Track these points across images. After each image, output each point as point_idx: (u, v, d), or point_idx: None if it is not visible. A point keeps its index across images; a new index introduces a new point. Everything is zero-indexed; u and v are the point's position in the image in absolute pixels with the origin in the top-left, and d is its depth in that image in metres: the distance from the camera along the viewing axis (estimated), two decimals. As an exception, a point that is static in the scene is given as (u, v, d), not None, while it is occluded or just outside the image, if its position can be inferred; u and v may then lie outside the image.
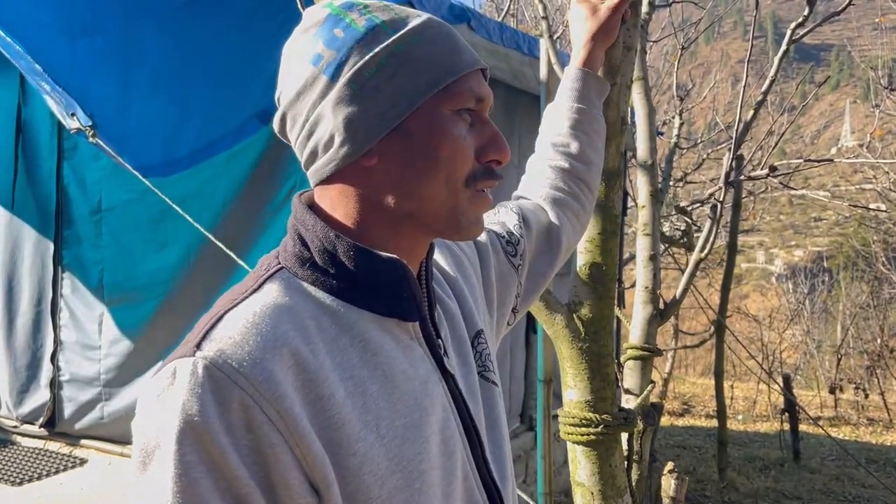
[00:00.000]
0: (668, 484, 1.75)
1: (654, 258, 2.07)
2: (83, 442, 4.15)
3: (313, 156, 0.81)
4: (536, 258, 1.14)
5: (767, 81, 2.07)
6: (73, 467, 3.93)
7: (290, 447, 0.67)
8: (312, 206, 0.83)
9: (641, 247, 2.09)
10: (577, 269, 1.61)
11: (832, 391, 9.34)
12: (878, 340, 10.49)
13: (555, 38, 4.36)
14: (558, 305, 1.58)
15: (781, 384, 6.51)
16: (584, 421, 1.52)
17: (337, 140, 0.78)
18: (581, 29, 1.33)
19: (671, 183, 8.55)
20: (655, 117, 2.20)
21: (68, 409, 4.21)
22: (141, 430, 0.67)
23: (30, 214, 4.39)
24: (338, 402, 0.71)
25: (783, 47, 2.05)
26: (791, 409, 6.39)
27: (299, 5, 1.93)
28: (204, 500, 0.64)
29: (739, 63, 2.28)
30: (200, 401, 0.65)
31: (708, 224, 2.19)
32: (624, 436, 1.82)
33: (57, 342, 4.27)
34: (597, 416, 1.53)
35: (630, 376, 2.04)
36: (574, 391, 1.57)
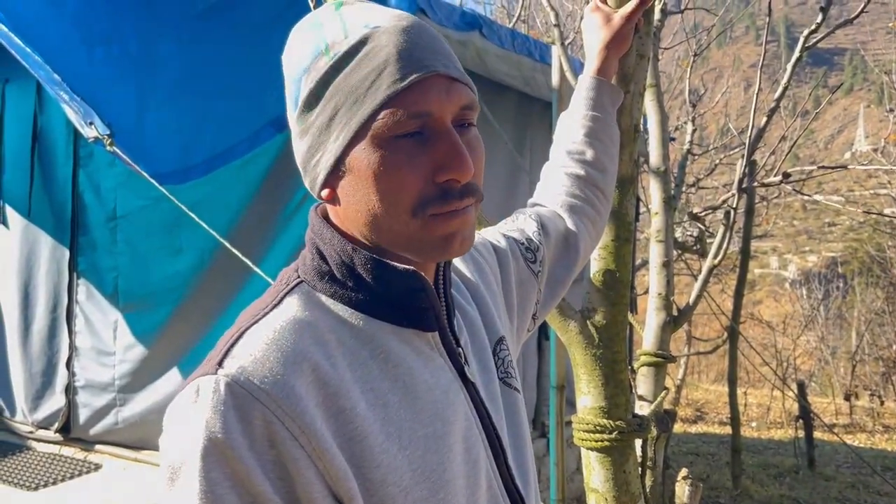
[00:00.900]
0: (682, 490, 1.75)
1: (667, 264, 2.07)
2: (98, 447, 4.18)
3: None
4: (555, 265, 1.14)
5: (780, 88, 2.06)
6: (87, 472, 3.95)
7: (312, 462, 0.68)
8: (329, 217, 0.83)
9: (654, 253, 2.08)
10: (591, 275, 1.62)
11: (847, 398, 9.27)
12: (894, 347, 10.40)
13: (566, 44, 4.36)
14: (572, 312, 1.58)
15: (796, 391, 6.47)
16: (598, 427, 1.53)
17: (302, 173, 0.82)
18: (595, 38, 1.34)
19: (684, 189, 8.53)
20: (668, 123, 2.20)
21: (83, 415, 4.24)
22: (167, 447, 0.69)
23: (46, 221, 4.43)
24: (360, 415, 0.72)
25: (796, 54, 2.04)
26: (806, 415, 6.35)
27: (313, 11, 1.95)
28: None
29: (752, 67, 2.28)
30: (223, 418, 0.66)
31: (721, 230, 2.18)
32: (638, 442, 1.82)
33: (72, 348, 4.30)
34: (611, 422, 1.53)
35: (643, 383, 2.04)
36: (588, 397, 1.57)
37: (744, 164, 2.03)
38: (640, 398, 2.03)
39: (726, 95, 10.00)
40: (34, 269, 4.49)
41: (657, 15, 2.50)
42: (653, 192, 2.16)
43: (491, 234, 1.09)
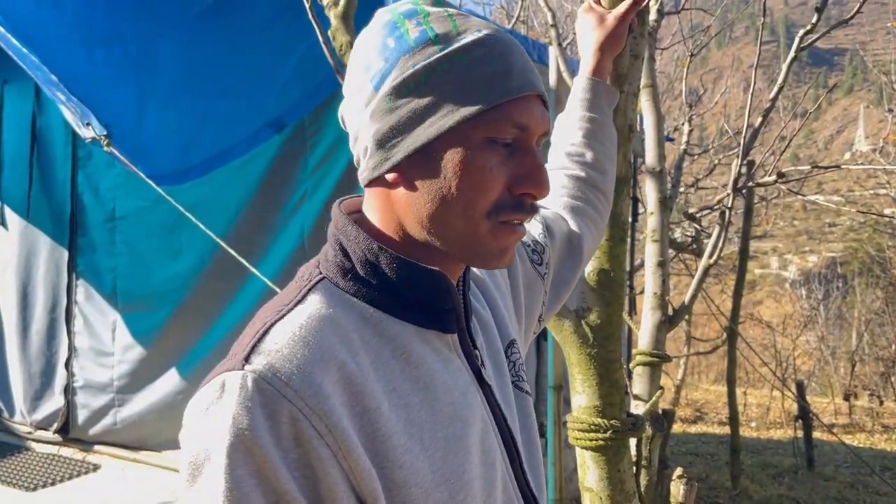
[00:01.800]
0: (677, 489, 1.75)
1: (662, 264, 2.08)
2: (96, 448, 4.19)
3: (357, 162, 0.83)
4: (560, 266, 1.15)
5: (776, 88, 2.07)
6: (86, 473, 3.96)
7: (338, 461, 0.67)
8: (353, 214, 0.84)
9: (650, 253, 2.09)
10: (586, 275, 1.62)
11: (847, 398, 9.27)
12: (894, 347, 10.41)
13: (564, 45, 4.37)
14: (567, 311, 1.59)
15: (795, 391, 6.47)
16: (592, 426, 1.53)
17: (369, 151, 0.79)
18: (589, 39, 1.34)
19: (682, 189, 8.54)
20: (664, 124, 2.21)
21: (82, 416, 4.24)
22: (189, 443, 0.68)
23: (44, 222, 4.44)
24: (384, 415, 0.72)
25: (791, 54, 2.05)
26: (805, 415, 6.35)
27: (311, 17, 1.95)
28: None
29: (752, 68, 2.28)
30: (251, 414, 0.65)
31: (717, 230, 2.19)
32: (633, 441, 1.82)
33: (71, 349, 4.31)
34: (605, 421, 1.53)
35: (639, 382, 2.04)
36: (583, 397, 1.58)
37: (739, 163, 2.04)
38: (636, 397, 2.03)
39: (725, 96, 10.01)
40: (33, 270, 4.50)
41: (653, 15, 2.51)
42: (649, 193, 2.16)
43: None
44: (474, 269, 0.97)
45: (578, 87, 1.30)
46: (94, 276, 4.26)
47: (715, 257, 2.10)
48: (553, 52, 2.53)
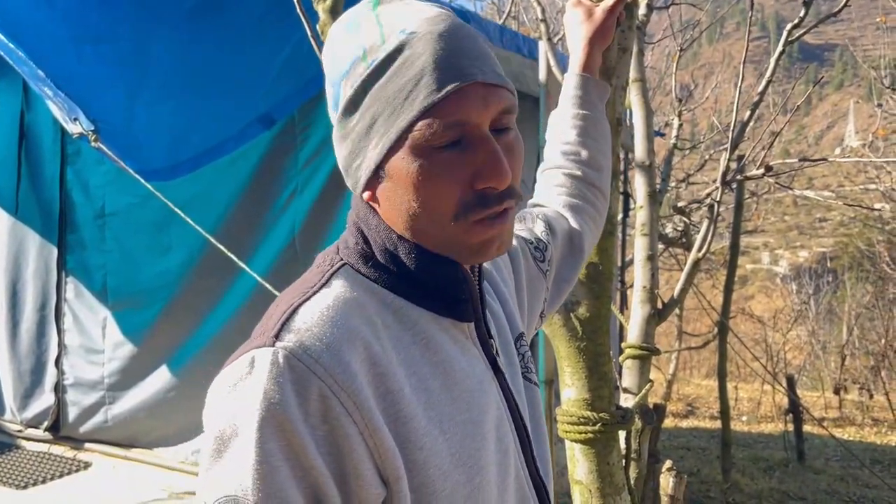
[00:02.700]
0: (667, 482, 1.75)
1: (651, 258, 2.08)
2: (87, 446, 4.18)
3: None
4: (562, 264, 1.16)
5: (763, 83, 2.07)
6: (77, 471, 3.95)
7: (363, 439, 0.68)
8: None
9: (639, 247, 2.10)
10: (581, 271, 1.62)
11: (837, 392, 9.32)
12: (883, 341, 10.47)
13: (555, 40, 4.37)
14: (556, 305, 1.59)
15: (785, 385, 6.50)
16: (581, 419, 1.54)
17: (344, 174, 0.82)
18: (577, 32, 1.34)
19: (673, 184, 8.56)
20: (654, 118, 2.21)
21: (72, 413, 4.23)
22: (215, 418, 0.67)
23: (33, 219, 4.42)
24: (405, 397, 0.73)
25: (779, 48, 2.06)
26: (795, 409, 6.39)
27: (300, 12, 1.95)
28: (282, 488, 0.64)
29: (744, 63, 2.30)
30: (282, 390, 0.66)
31: (705, 224, 2.20)
32: (622, 434, 1.83)
33: (61, 346, 4.29)
34: (594, 414, 1.54)
35: (628, 375, 2.05)
36: (572, 390, 1.58)
37: (727, 158, 2.05)
38: (625, 391, 2.04)
39: (716, 91, 10.03)
40: (22, 268, 4.48)
41: (642, 10, 2.51)
42: (638, 187, 2.17)
43: None
44: (484, 265, 0.98)
45: (569, 85, 1.30)
46: (84, 274, 4.24)
47: (704, 251, 2.11)
48: (543, 46, 2.53)
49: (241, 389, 0.67)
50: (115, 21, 3.17)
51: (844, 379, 9.88)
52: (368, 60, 0.75)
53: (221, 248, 2.51)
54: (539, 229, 1.13)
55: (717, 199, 2.09)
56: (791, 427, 6.45)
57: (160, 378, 3.94)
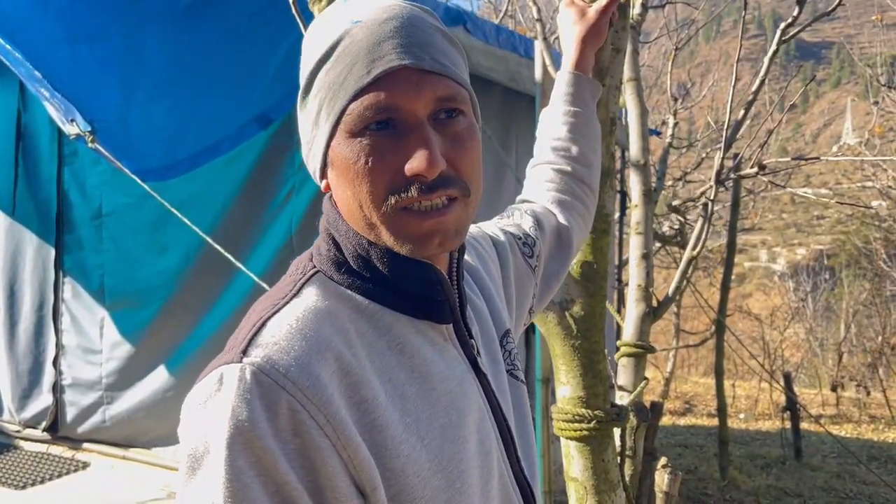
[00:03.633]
0: (662, 479, 1.76)
1: (646, 256, 2.09)
2: (85, 446, 4.18)
3: None
4: (550, 259, 1.16)
5: (758, 81, 2.08)
6: (75, 471, 3.95)
7: (337, 451, 0.68)
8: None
9: (634, 245, 2.11)
10: (570, 267, 1.63)
11: (834, 389, 9.35)
12: (880, 338, 10.49)
13: (551, 39, 4.38)
14: (551, 303, 1.60)
15: (782, 383, 6.52)
16: (576, 417, 1.55)
17: (305, 162, 0.83)
18: (570, 32, 1.35)
19: (670, 183, 8.57)
20: (650, 117, 2.22)
21: (70, 413, 4.23)
22: (188, 436, 0.67)
23: (31, 220, 4.42)
24: (380, 405, 0.72)
25: (773, 46, 2.06)
26: (792, 407, 6.41)
27: (295, 12, 1.95)
28: None
29: (739, 62, 2.30)
30: (250, 406, 0.65)
31: (700, 222, 2.21)
32: (617, 432, 1.84)
33: (59, 346, 4.30)
34: (589, 411, 1.55)
35: (623, 373, 2.06)
36: (567, 387, 1.59)
37: (722, 156, 2.06)
38: (621, 388, 2.05)
39: (713, 90, 10.05)
40: (20, 268, 4.48)
41: (637, 10, 2.52)
42: (633, 185, 2.18)
43: (490, 229, 1.11)
44: (468, 259, 0.98)
45: (561, 82, 1.31)
46: (82, 274, 4.24)
47: (699, 249, 2.12)
48: (539, 46, 2.54)
49: (210, 407, 0.67)
50: (109, 20, 3.17)
51: (842, 376, 9.91)
52: (321, 49, 0.76)
53: (218, 248, 2.51)
54: (527, 225, 1.13)
55: (712, 197, 2.10)
56: (788, 424, 6.47)
57: (158, 378, 3.94)
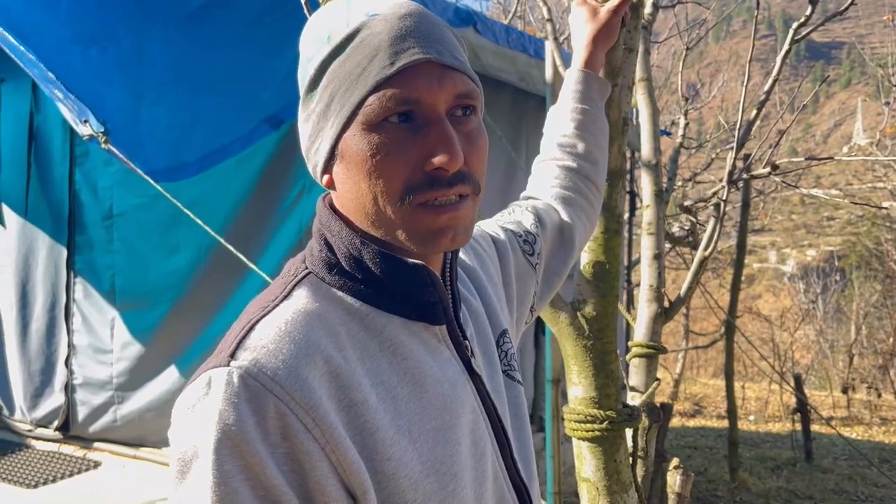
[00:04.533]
0: (674, 480, 1.76)
1: (658, 257, 2.09)
2: (97, 445, 4.20)
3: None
4: (552, 257, 1.15)
5: (770, 81, 2.08)
6: (86, 470, 3.97)
7: (326, 454, 0.67)
8: (335, 207, 0.83)
9: (646, 245, 2.10)
10: (581, 267, 1.63)
11: (844, 391, 9.30)
12: (892, 339, 10.44)
13: (560, 40, 4.38)
14: (562, 303, 1.59)
15: (793, 384, 6.49)
16: (588, 417, 1.54)
17: (306, 158, 0.82)
18: (582, 31, 1.35)
19: (680, 183, 8.55)
20: (659, 117, 2.22)
21: (82, 413, 4.25)
22: (177, 440, 0.67)
23: (43, 220, 4.45)
24: (371, 408, 0.71)
25: (785, 46, 2.06)
26: (803, 408, 6.38)
27: (306, 11, 1.96)
28: None
29: (750, 62, 2.29)
30: (237, 410, 0.65)
31: (711, 222, 2.20)
32: (629, 432, 1.83)
33: (70, 346, 4.32)
34: (601, 412, 1.54)
35: (635, 374, 2.05)
36: (579, 388, 1.59)
37: (733, 156, 2.05)
38: (632, 389, 2.04)
39: (723, 90, 10.02)
40: (32, 268, 4.51)
41: (648, 9, 2.51)
42: (644, 186, 2.17)
43: (489, 227, 1.09)
44: (464, 258, 0.97)
45: (570, 80, 1.31)
46: (93, 274, 4.27)
47: (710, 249, 2.11)
48: (549, 46, 2.53)
49: (198, 411, 0.66)
50: (118, 23, 3.19)
51: (852, 378, 9.87)
52: (331, 41, 0.75)
53: (230, 247, 2.52)
54: (528, 222, 1.12)
55: (724, 197, 2.09)
56: (799, 426, 6.45)
57: (168, 378, 3.96)
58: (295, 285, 0.77)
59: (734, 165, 2.05)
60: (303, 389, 0.67)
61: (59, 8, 3.09)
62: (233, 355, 0.69)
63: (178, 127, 3.14)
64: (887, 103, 7.57)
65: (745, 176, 2.19)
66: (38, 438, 4.41)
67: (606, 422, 1.53)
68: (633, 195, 6.16)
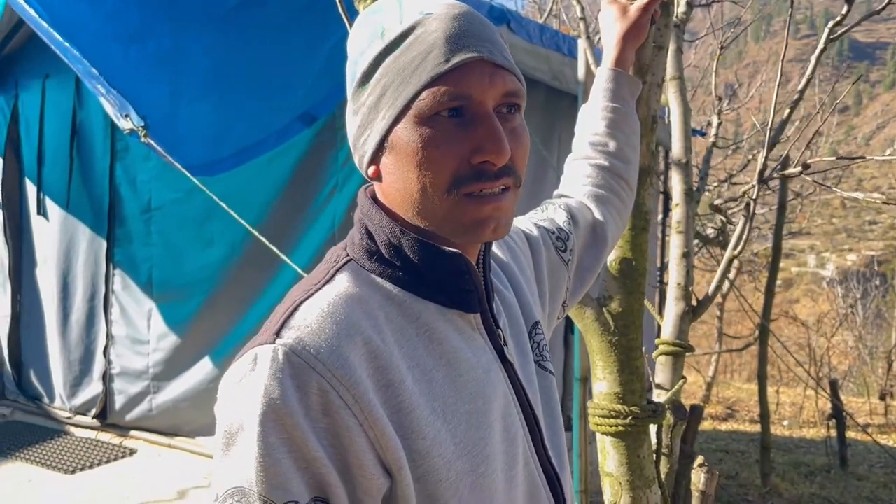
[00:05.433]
0: (698, 478, 1.76)
1: (686, 255, 2.08)
2: (133, 433, 4.30)
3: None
4: (584, 253, 1.18)
5: (804, 80, 2.06)
6: (123, 457, 4.07)
7: (364, 430, 0.70)
8: (377, 198, 0.86)
9: (675, 244, 2.10)
10: (608, 264, 1.64)
11: (882, 397, 9.11)
12: (933, 347, 10.19)
13: (594, 38, 4.37)
14: (589, 300, 1.61)
15: (828, 390, 6.38)
16: (612, 412, 1.55)
17: (353, 150, 0.85)
18: (611, 30, 1.37)
19: (716, 184, 8.45)
20: (698, 117, 2.21)
21: (119, 401, 4.35)
22: (223, 413, 0.71)
23: (84, 213, 4.56)
24: (407, 389, 0.74)
25: (820, 46, 2.04)
26: (838, 414, 6.27)
27: (341, 11, 1.99)
28: (286, 479, 0.67)
29: (790, 62, 2.26)
30: (281, 385, 0.68)
31: (741, 222, 2.19)
32: (653, 429, 1.84)
33: (108, 336, 4.42)
34: (625, 407, 1.55)
35: (661, 371, 2.05)
36: (603, 383, 1.60)
37: (765, 155, 2.04)
38: (658, 387, 2.04)
39: (761, 91, 9.87)
40: (73, 260, 4.62)
41: (682, 8, 2.50)
42: (674, 184, 2.17)
43: (523, 224, 1.12)
44: (497, 252, 1.00)
45: (601, 78, 1.32)
46: (131, 266, 4.36)
47: (739, 249, 2.10)
48: (582, 44, 2.54)
49: (244, 386, 0.70)
50: (157, 20, 3.26)
51: (891, 385, 9.66)
52: (385, 37, 0.79)
53: (265, 241, 2.57)
54: (561, 219, 1.14)
55: (754, 197, 2.08)
56: (834, 432, 6.33)
57: (203, 369, 4.04)
58: (337, 271, 0.81)
59: (766, 165, 2.04)
60: (344, 368, 0.71)
61: (102, 7, 3.17)
62: (278, 333, 0.72)
63: (215, 123, 3.21)
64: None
65: (776, 175, 2.17)
66: (76, 426, 4.53)
67: (630, 417, 1.54)
68: (667, 196, 6.10)
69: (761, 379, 5.80)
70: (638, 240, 1.60)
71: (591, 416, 1.60)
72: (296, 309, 0.75)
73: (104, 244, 4.44)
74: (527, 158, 0.82)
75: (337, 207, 3.61)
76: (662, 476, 1.74)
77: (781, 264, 5.94)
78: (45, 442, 4.30)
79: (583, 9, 2.72)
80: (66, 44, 2.87)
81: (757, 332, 6.06)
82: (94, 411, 4.44)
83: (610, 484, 1.58)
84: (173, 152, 2.60)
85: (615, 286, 1.61)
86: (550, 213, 1.16)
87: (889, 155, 2.04)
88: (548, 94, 4.46)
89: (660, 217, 6.19)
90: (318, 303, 0.76)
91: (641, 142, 1.56)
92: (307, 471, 0.68)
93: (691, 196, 2.14)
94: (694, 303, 2.09)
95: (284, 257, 2.50)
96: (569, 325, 4.39)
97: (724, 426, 8.28)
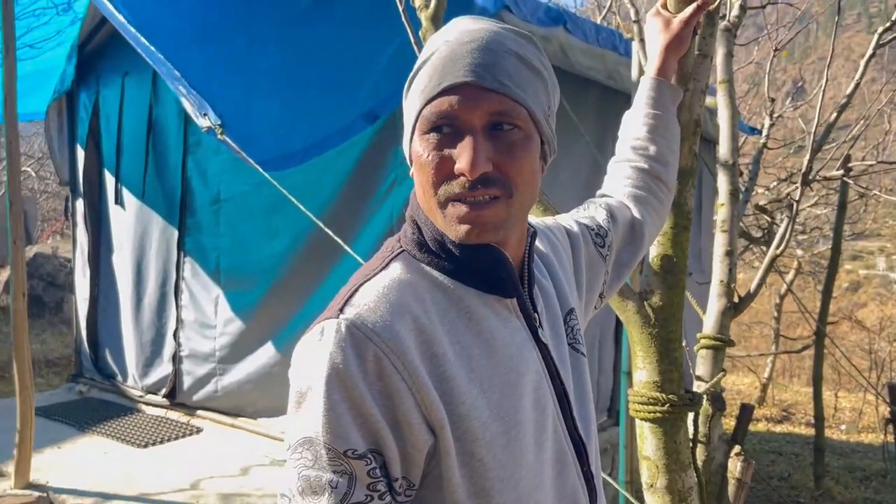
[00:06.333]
0: (734, 465, 1.84)
1: (730, 253, 2.15)
2: (199, 412, 4.52)
3: None
4: (622, 250, 1.29)
5: (852, 84, 2.10)
6: (190, 435, 4.30)
7: (412, 393, 0.82)
8: None
9: (718, 242, 2.17)
10: (650, 259, 1.73)
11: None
12: None
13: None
14: (630, 293, 1.70)
15: (887, 394, 6.27)
16: (651, 399, 1.65)
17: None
18: (654, 41, 1.46)
19: (775, 182, 8.31)
20: (739, 119, 2.27)
21: (187, 382, 4.59)
22: (295, 376, 0.84)
23: (158, 203, 4.81)
24: (449, 361, 0.86)
25: (869, 51, 2.08)
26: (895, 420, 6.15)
27: (404, 19, 2.11)
28: (346, 431, 0.80)
29: (863, 57, 2.28)
30: (344, 353, 0.81)
31: (784, 222, 2.24)
32: (690, 418, 1.92)
33: (178, 320, 4.66)
34: (663, 395, 1.65)
35: (702, 364, 2.13)
36: (643, 372, 1.70)
37: (809, 157, 2.09)
38: (698, 378, 2.12)
39: (832, 87, 9.64)
40: (146, 248, 4.88)
41: (735, 11, 2.56)
42: (720, 184, 2.24)
43: (565, 220, 1.25)
44: (539, 246, 1.12)
45: (644, 87, 1.43)
46: (200, 255, 4.59)
47: (781, 248, 2.16)
48: (635, 47, 2.62)
49: (313, 353, 0.83)
50: (232, 23, 3.45)
51: (956, 392, 9.35)
52: (419, 60, 0.92)
53: (329, 231, 2.72)
54: (601, 217, 1.26)
55: (797, 198, 2.13)
56: (891, 438, 6.23)
57: (265, 353, 4.22)
58: (391, 259, 0.94)
59: (809, 167, 2.09)
60: (395, 340, 0.84)
61: (181, 9, 3.37)
62: (342, 310, 0.86)
63: (285, 120, 3.37)
64: None
65: (818, 178, 2.21)
66: (147, 404, 4.79)
67: (668, 405, 1.64)
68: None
69: (816, 382, 5.75)
70: (679, 237, 1.69)
71: (630, 403, 1.70)
72: (357, 290, 0.88)
73: (176, 233, 4.67)
74: (525, 170, 0.89)
75: (395, 201, 3.74)
76: (699, 463, 1.82)
77: (849, 266, 5.90)
78: (119, 418, 4.57)
79: (637, 12, 2.79)
80: (152, 47, 3.08)
81: (814, 335, 6.00)
82: (163, 391, 4.69)
83: (647, 466, 1.68)
84: (246, 148, 2.78)
85: (656, 281, 1.70)
86: (591, 212, 1.28)
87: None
88: (602, 94, 4.51)
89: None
90: (375, 286, 0.88)
91: (683, 145, 1.65)
92: (364, 425, 0.81)
93: (736, 196, 2.21)
94: (736, 300, 2.16)
95: (347, 248, 2.64)
96: (619, 323, 4.45)
97: (778, 428, 8.19)
